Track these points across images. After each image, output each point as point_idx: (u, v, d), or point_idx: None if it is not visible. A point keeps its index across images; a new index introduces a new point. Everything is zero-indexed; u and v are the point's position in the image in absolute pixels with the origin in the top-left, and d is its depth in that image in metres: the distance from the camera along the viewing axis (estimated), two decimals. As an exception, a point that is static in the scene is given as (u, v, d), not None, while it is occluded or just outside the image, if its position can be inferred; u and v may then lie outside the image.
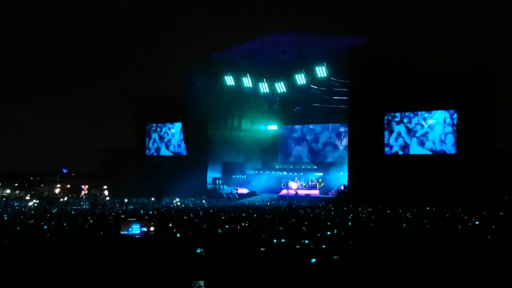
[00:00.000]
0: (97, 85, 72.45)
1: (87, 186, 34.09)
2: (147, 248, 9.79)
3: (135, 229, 13.27)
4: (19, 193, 48.18)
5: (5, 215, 20.00)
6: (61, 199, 35.73)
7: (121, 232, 13.07)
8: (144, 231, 13.07)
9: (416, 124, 34.77)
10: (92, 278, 6.27)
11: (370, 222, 18.07)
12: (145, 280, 6.23)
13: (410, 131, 34.93)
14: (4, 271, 6.53)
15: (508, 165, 34.39)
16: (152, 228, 13.26)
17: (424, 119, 34.39)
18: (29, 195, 42.54)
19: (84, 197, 31.82)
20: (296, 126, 50.07)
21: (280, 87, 42.44)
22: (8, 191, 48.74)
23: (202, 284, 5.75)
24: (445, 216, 21.69)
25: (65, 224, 16.27)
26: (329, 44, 36.72)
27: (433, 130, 34.00)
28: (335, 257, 8.86)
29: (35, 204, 29.74)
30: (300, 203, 33.46)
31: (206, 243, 10.12)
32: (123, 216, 18.91)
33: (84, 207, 27.17)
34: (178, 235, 12.61)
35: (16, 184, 54.59)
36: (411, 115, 34.97)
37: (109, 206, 29.42)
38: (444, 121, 33.54)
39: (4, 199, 39.96)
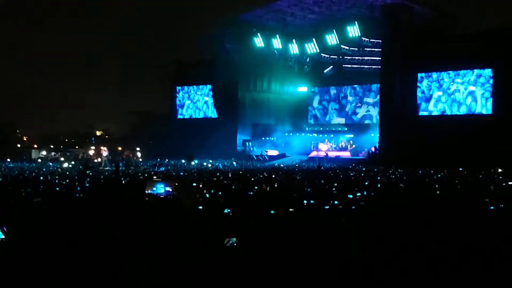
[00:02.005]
0: (128, 52, 72.92)
1: (105, 148, 34.58)
2: (173, 208, 9.95)
3: (160, 189, 13.46)
4: (54, 155, 49.65)
5: (41, 176, 20.63)
6: (95, 161, 36.63)
7: (146, 192, 13.27)
8: (168, 191, 13.23)
9: (450, 84, 33.88)
10: (121, 237, 6.42)
11: (400, 183, 17.91)
12: (172, 238, 6.35)
13: (444, 92, 34.08)
14: (36, 228, 6.75)
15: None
16: (173, 188, 13.32)
17: (459, 79, 33.44)
18: (63, 157, 43.78)
19: (106, 160, 32.31)
20: (327, 88, 49.41)
21: (310, 47, 41.79)
22: (44, 152, 50.32)
23: (235, 240, 5.81)
24: (478, 177, 21.33)
25: (97, 184, 16.73)
26: (359, 2, 35.75)
27: (468, 90, 33.08)
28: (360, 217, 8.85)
29: (70, 166, 30.62)
30: (330, 164, 33.40)
31: (235, 203, 10.23)
32: (155, 177, 19.24)
33: (105, 170, 27.47)
34: (207, 196, 12.77)
35: (52, 146, 56.22)
36: (445, 75, 34.05)
37: (142, 167, 30.03)
38: (480, 81, 32.56)
39: (40, 160, 41.24)
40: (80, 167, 26.42)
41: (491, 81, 32.17)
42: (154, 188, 13.52)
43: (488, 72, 32.30)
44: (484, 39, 31.57)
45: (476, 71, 32.72)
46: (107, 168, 29.23)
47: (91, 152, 46.24)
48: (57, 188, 14.79)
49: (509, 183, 17.64)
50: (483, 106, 32.57)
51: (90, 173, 22.48)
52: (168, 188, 13.38)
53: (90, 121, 70.73)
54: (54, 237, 6.03)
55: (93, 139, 61.18)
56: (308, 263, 5.48)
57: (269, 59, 43.59)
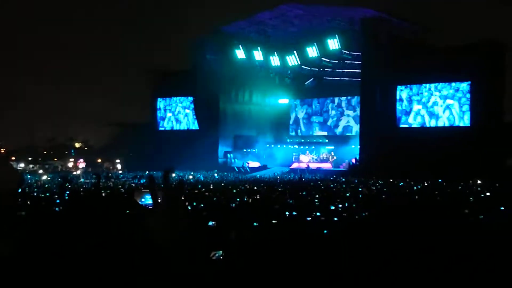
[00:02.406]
0: (108, 60, 72.42)
1: (82, 161, 34.20)
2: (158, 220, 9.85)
3: (148, 199, 13.37)
4: (32, 167, 48.85)
5: (19, 189, 20.21)
6: (75, 173, 36.14)
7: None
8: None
9: (428, 96, 34.43)
10: (104, 251, 6.33)
11: (382, 194, 18.04)
12: (157, 252, 6.28)
13: (423, 104, 34.61)
14: (17, 242, 6.61)
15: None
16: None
17: (438, 92, 34.01)
18: (42, 170, 43.10)
19: (82, 172, 31.91)
20: (308, 100, 49.73)
21: (291, 60, 42.16)
22: (22, 165, 49.42)
23: (221, 254, 5.78)
24: (457, 188, 21.61)
25: (77, 197, 16.47)
26: (339, 16, 36.29)
27: (446, 103, 33.64)
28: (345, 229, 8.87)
29: (49, 178, 30.14)
30: (311, 176, 33.52)
31: (218, 216, 10.18)
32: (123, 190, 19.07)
33: (82, 182, 27.14)
34: (189, 208, 12.68)
35: (30, 158, 55.29)
36: (424, 88, 34.61)
37: (122, 179, 29.70)
38: (458, 95, 33.17)
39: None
40: (59, 179, 26.02)
41: (468, 95, 32.80)
42: (143, 199, 13.43)
43: (466, 85, 32.92)
44: (462, 53, 32.25)
45: (454, 84, 33.34)
46: (83, 180, 28.81)
47: (70, 164, 45.64)
48: (37, 201, 14.52)
49: (487, 194, 17.90)
50: (461, 118, 33.14)
51: (69, 186, 22.15)
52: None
53: (69, 132, 69.92)
54: (41, 251, 5.92)
55: (72, 151, 60.39)
56: (293, 274, 5.46)
57: (251, 71, 43.81)
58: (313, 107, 49.43)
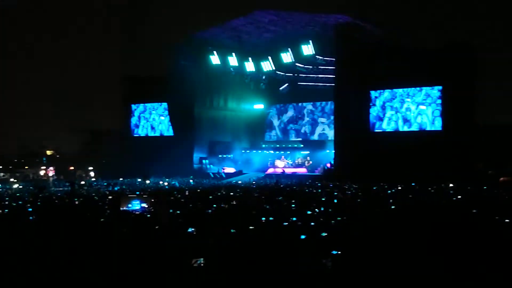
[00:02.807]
0: (82, 67, 71.30)
1: (51, 169, 33.63)
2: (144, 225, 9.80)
3: (135, 205, 13.37)
4: (3, 176, 47.69)
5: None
6: (46, 181, 35.45)
7: (121, 208, 13.17)
8: (144, 207, 13.20)
9: (402, 99, 34.98)
10: (83, 258, 6.23)
11: (357, 199, 18.22)
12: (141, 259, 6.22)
13: (396, 108, 35.13)
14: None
15: (490, 141, 34.80)
16: (150, 204, 13.36)
17: (409, 98, 34.59)
18: (13, 178, 42.14)
19: (52, 181, 31.39)
20: (283, 105, 49.94)
21: (266, 65, 42.38)
22: (-9, 173, 48.20)
23: (202, 261, 5.78)
24: (429, 192, 21.98)
25: (50, 205, 16.18)
26: (313, 21, 36.62)
27: (419, 106, 34.24)
28: (323, 234, 8.92)
29: (20, 187, 29.50)
30: (287, 181, 33.62)
31: (195, 222, 10.13)
32: (110, 197, 18.82)
33: (53, 190, 26.68)
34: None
35: (0, 167, 53.96)
36: (397, 93, 35.14)
37: (95, 187, 29.27)
38: (429, 100, 33.78)
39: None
40: (31, 187, 25.52)
41: (438, 101, 33.43)
42: (130, 205, 13.41)
43: (437, 89, 33.55)
44: (433, 57, 32.82)
45: (425, 89, 33.94)
46: (54, 189, 28.30)
47: (42, 173, 44.74)
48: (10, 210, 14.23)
49: (459, 197, 18.26)
50: (433, 123, 33.72)
51: (41, 195, 21.73)
52: (144, 205, 13.34)
53: (41, 139, 68.39)
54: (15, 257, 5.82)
55: (44, 159, 59.17)
56: (272, 279, 5.47)
57: (226, 76, 43.83)
58: (289, 113, 49.57)
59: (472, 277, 5.94)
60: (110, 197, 18.36)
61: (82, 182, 31.92)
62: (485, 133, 33.06)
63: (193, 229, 8.87)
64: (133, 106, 48.67)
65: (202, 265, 5.64)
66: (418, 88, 34.21)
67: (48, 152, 67.54)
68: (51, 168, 33.66)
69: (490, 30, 47.64)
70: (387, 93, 35.57)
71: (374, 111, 35.92)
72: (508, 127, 35.28)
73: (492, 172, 31.93)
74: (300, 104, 48.56)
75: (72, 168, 52.34)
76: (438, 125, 33.50)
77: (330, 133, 44.33)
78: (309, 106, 48.12)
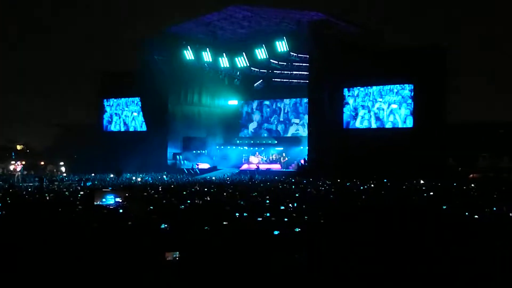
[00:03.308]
0: (53, 62, 69.86)
1: (19, 163, 32.89)
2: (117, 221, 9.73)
3: (109, 200, 13.27)
4: (-29, 171, 46.45)
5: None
6: (14, 176, 34.68)
7: (95, 203, 13.04)
8: (118, 202, 13.12)
9: (374, 99, 35.44)
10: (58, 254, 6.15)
11: (330, 195, 18.43)
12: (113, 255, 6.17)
13: (368, 106, 35.58)
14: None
15: (460, 138, 35.63)
16: (124, 198, 13.33)
17: (381, 96, 35.07)
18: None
19: (19, 175, 30.79)
20: (256, 101, 49.99)
21: (240, 61, 42.33)
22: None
23: (178, 255, 5.78)
24: (401, 188, 22.38)
25: (20, 201, 15.87)
26: (287, 18, 36.72)
27: (390, 105, 34.74)
28: (297, 229, 9.00)
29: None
30: (261, 177, 33.73)
31: (169, 218, 10.08)
32: (82, 192, 18.58)
33: (22, 185, 26.19)
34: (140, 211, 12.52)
35: (-33, 162, 52.54)
36: (369, 89, 35.58)
37: (66, 182, 28.79)
38: (401, 96, 34.32)
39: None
40: (0, 182, 24.98)
41: (409, 100, 33.99)
42: (104, 200, 13.29)
43: (408, 87, 34.10)
44: (405, 55, 33.41)
45: (396, 86, 34.47)
46: (22, 184, 27.73)
47: (12, 167, 43.73)
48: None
49: (430, 193, 18.65)
50: (405, 122, 34.25)
51: (11, 190, 21.29)
52: (118, 199, 13.24)
53: (9, 134, 66.89)
54: None
55: (13, 154, 57.88)
56: (245, 275, 5.50)
57: (200, 72, 43.63)
58: (263, 112, 49.54)
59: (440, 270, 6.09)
60: (81, 192, 18.13)
61: (53, 178, 31.34)
62: (455, 130, 33.82)
63: (166, 225, 8.84)
64: (106, 102, 48.06)
65: (177, 258, 5.64)
66: (389, 87, 34.71)
67: (18, 147, 66.12)
68: (19, 163, 32.87)
69: (460, 30, 48.69)
70: (359, 92, 35.97)
71: (347, 110, 36.32)
72: (477, 124, 36.17)
73: (462, 169, 32.72)
74: (273, 100, 48.70)
75: (42, 163, 51.36)
76: (409, 123, 34.07)
77: (304, 133, 44.63)
78: (282, 103, 48.30)
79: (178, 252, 5.69)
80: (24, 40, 68.18)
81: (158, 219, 9.82)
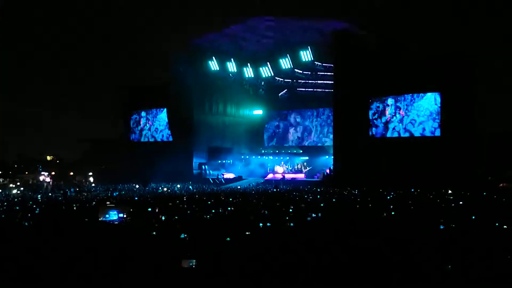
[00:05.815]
0: (81, 76, 71.53)
1: (50, 176, 33.51)
2: (125, 235, 9.72)
3: (112, 215, 13.21)
4: (3, 181, 47.61)
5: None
6: (43, 187, 35.45)
7: (99, 219, 12.97)
8: (121, 217, 13.01)
9: (400, 108, 34.93)
10: (73, 265, 6.21)
11: (356, 205, 18.19)
12: (127, 267, 6.19)
13: (395, 115, 35.08)
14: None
15: (491, 147, 34.87)
16: (127, 214, 13.20)
17: (408, 103, 34.53)
18: (13, 183, 42.07)
19: (47, 185, 31.37)
20: (281, 111, 49.99)
21: (265, 71, 42.43)
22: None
23: (194, 263, 5.77)
24: (429, 198, 21.94)
25: (49, 210, 16.16)
26: (312, 28, 36.65)
27: (417, 113, 34.17)
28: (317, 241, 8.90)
29: (19, 192, 29.47)
30: (286, 187, 33.57)
31: (192, 228, 10.10)
32: (108, 202, 18.80)
33: (51, 196, 26.66)
34: (162, 219, 12.56)
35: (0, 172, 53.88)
36: (395, 99, 35.10)
37: (94, 192, 29.23)
38: (428, 105, 33.72)
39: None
40: (30, 193, 25.53)
41: (435, 107, 33.32)
42: (107, 215, 13.21)
43: (435, 96, 33.47)
44: (432, 65, 32.83)
45: (423, 95, 33.90)
46: (50, 194, 28.31)
47: (41, 178, 44.72)
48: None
49: (460, 203, 18.23)
50: (432, 130, 33.59)
51: (39, 198, 21.75)
52: (121, 215, 13.16)
53: (40, 148, 68.57)
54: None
55: (39, 166, 59.20)
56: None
57: (225, 82, 43.90)
58: (287, 118, 49.69)
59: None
60: (108, 202, 18.35)
61: (80, 188, 31.89)
62: (484, 140, 33.10)
63: (185, 235, 8.83)
64: (134, 113, 48.77)
65: (193, 266, 5.63)
66: (417, 95, 34.14)
67: (48, 158, 67.60)
68: (46, 173, 33.63)
69: (488, 39, 47.79)
70: (385, 101, 35.50)
71: (371, 115, 35.84)
72: (507, 134, 35.35)
73: (491, 178, 31.95)
74: (298, 110, 48.66)
75: (71, 173, 52.37)
76: (437, 132, 33.41)
77: (329, 140, 44.36)
78: (307, 112, 48.25)
79: (194, 260, 5.67)
80: (53, 55, 69.74)
81: (180, 229, 9.84)
